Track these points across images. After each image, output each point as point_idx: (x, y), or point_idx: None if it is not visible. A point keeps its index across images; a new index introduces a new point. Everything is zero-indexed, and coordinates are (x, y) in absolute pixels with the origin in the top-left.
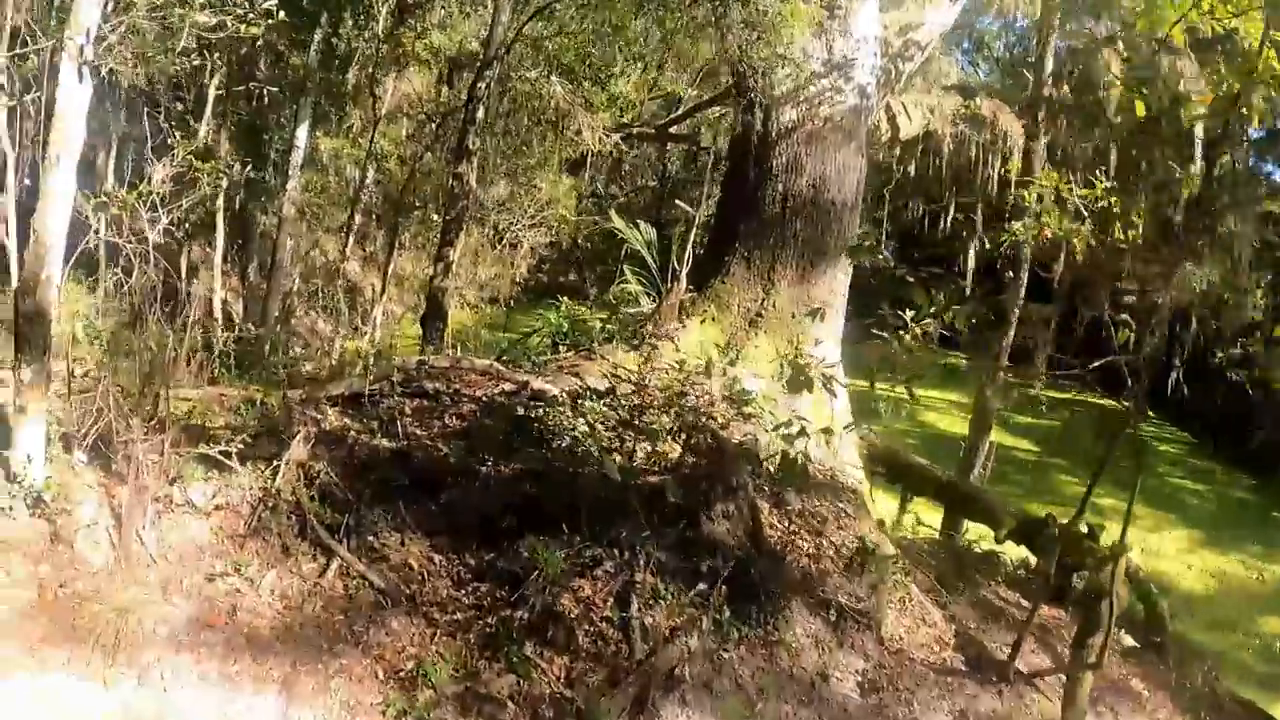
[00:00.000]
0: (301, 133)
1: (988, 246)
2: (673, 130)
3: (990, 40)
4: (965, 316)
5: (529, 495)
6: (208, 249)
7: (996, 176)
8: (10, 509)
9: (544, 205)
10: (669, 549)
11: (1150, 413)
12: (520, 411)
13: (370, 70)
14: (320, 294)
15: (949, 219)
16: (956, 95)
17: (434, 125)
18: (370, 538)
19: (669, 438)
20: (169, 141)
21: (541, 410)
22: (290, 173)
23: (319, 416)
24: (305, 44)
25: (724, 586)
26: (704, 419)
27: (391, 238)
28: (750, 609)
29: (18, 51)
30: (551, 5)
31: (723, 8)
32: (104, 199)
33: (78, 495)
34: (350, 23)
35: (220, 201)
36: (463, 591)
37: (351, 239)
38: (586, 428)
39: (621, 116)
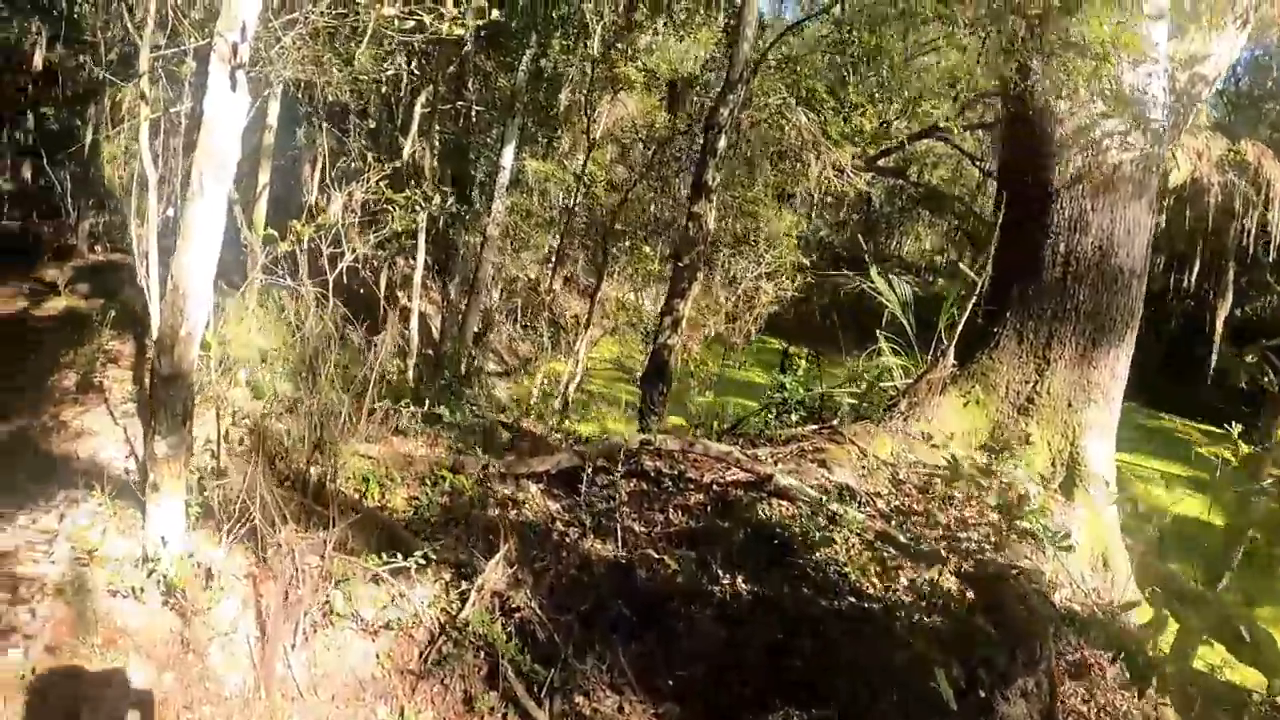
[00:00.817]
0: (508, 154)
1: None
2: (880, 163)
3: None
4: None
5: (773, 641)
6: (411, 261)
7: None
8: (141, 590)
9: (774, 245)
10: None
11: None
12: (760, 513)
13: (585, 92)
14: (519, 313)
15: (1192, 277)
16: (1222, 138)
17: (649, 151)
18: (580, 698)
19: (937, 558)
20: (367, 159)
21: (785, 512)
22: (496, 193)
23: (520, 497)
24: (512, 66)
25: None
26: (976, 534)
27: (600, 266)
28: None
29: (161, 51)
30: (806, 22)
31: (1041, 25)
32: (272, 233)
33: (218, 591)
34: (557, 46)
35: (423, 220)
36: None
37: (554, 261)
38: (843, 549)
39: (862, 151)
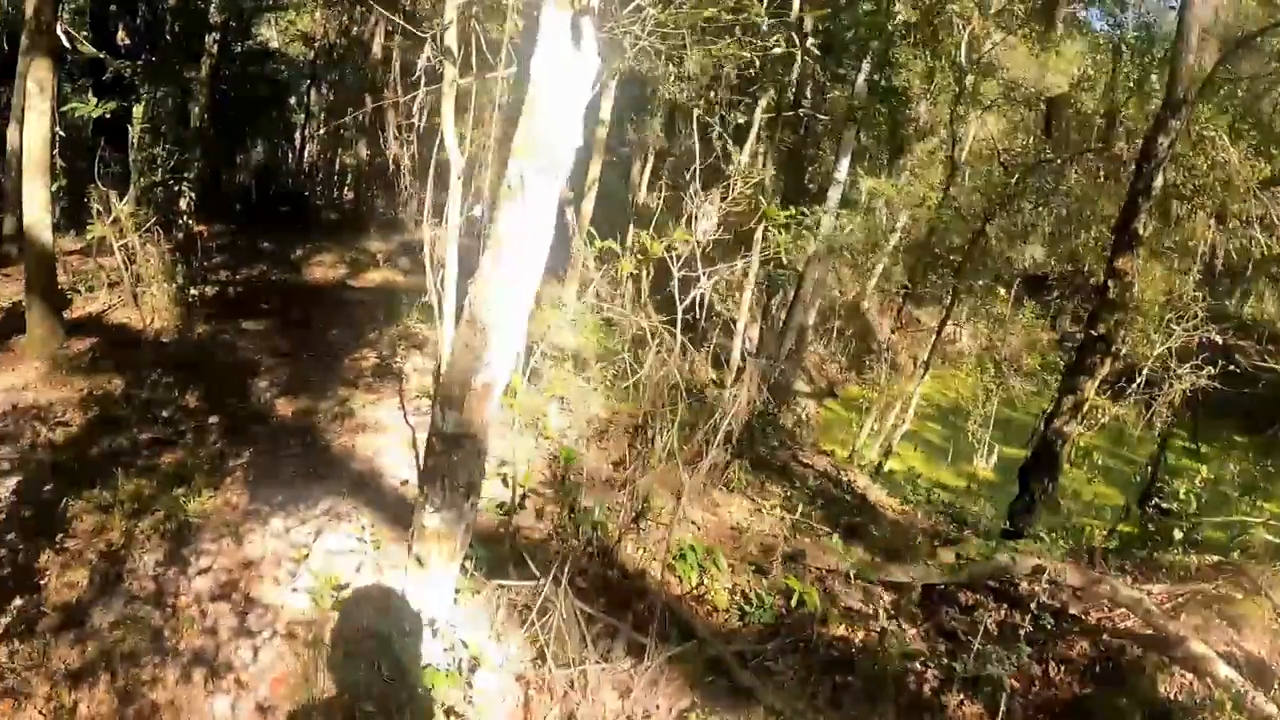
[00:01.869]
0: (842, 167)
1: None
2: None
3: None
4: None
5: None
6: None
7: None
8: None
9: (1182, 317)
10: None
11: None
12: (1162, 688)
13: (952, 107)
14: (835, 334)
15: None
16: None
17: (1013, 179)
18: None
19: None
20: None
21: (1187, 685)
22: (827, 208)
23: (870, 610)
24: (844, 77)
25: None
26: None
27: (949, 306)
28: None
29: None
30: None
31: None
32: (611, 244)
33: (487, 693)
34: (898, 57)
35: (758, 234)
36: None
37: (874, 282)
38: None
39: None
